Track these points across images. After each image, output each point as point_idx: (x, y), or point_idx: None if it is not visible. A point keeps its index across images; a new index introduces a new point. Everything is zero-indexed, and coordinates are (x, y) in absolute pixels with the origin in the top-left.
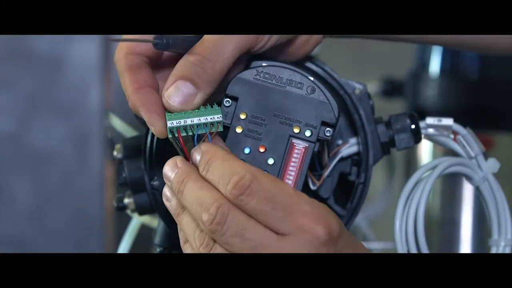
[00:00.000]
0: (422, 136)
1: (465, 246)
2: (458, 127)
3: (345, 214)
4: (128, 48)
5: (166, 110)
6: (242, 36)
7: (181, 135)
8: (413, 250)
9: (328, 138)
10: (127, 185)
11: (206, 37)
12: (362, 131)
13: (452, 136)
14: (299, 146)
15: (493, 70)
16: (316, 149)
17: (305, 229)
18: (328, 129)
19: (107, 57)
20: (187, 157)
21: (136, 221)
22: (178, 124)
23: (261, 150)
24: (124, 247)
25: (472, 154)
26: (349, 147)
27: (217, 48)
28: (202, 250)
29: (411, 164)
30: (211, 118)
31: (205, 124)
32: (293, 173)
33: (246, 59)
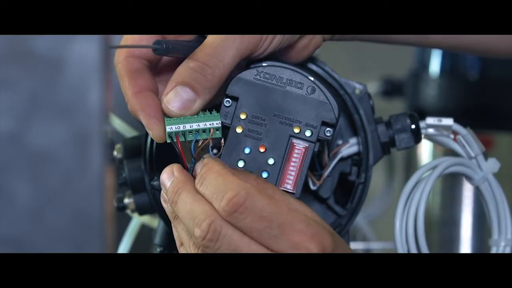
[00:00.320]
0: (422, 136)
1: (465, 246)
2: (458, 127)
3: (345, 214)
4: (128, 51)
5: (165, 115)
6: (242, 42)
7: (180, 140)
8: (413, 250)
9: (328, 138)
10: (127, 185)
11: (207, 42)
12: (362, 131)
13: (452, 136)
14: (299, 146)
15: (493, 70)
16: (316, 149)
17: (299, 247)
18: (328, 129)
19: (107, 57)
20: (185, 162)
21: (136, 221)
22: (177, 129)
23: (261, 150)
24: (124, 247)
25: (472, 154)
26: (349, 147)
27: (217, 54)
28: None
29: (411, 164)
30: (210, 124)
31: (204, 130)
32: (293, 173)
33: (245, 62)
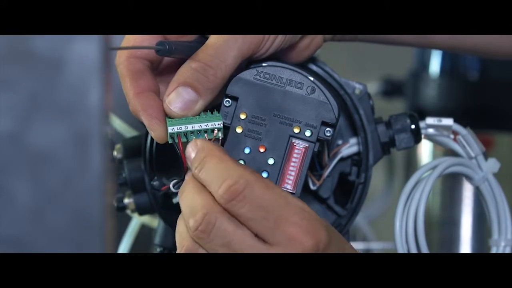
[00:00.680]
0: (422, 136)
1: (465, 246)
2: (458, 127)
3: (345, 214)
4: (130, 52)
5: (166, 116)
6: (244, 42)
7: (181, 141)
8: (413, 250)
9: (328, 138)
10: (127, 185)
11: (208, 43)
12: (362, 131)
13: (452, 136)
14: (299, 146)
15: (493, 70)
16: (316, 149)
17: (294, 240)
18: (328, 129)
19: (107, 57)
20: (185, 163)
21: (136, 221)
22: (178, 130)
23: (261, 150)
24: (124, 247)
25: (472, 154)
26: (349, 147)
27: (219, 55)
28: (183, 251)
29: (411, 164)
30: (212, 125)
31: (206, 131)
32: (293, 173)
33: (245, 62)
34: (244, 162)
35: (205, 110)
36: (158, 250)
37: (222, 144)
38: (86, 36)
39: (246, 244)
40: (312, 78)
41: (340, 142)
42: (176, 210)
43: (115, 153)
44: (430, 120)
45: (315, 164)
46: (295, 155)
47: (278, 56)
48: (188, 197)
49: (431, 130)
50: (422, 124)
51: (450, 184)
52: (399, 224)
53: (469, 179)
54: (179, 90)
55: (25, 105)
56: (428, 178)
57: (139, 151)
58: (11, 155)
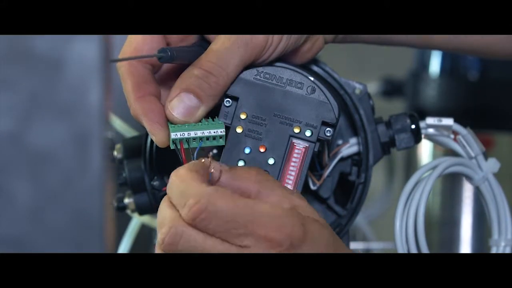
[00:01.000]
0: (422, 136)
1: (465, 246)
2: (458, 127)
3: (345, 214)
4: (132, 55)
5: (168, 121)
6: (246, 50)
7: (183, 147)
8: (413, 250)
9: (328, 138)
10: (127, 185)
11: (211, 49)
12: (362, 131)
13: (452, 136)
14: (300, 146)
15: (493, 70)
16: (316, 149)
17: (265, 238)
18: (328, 129)
19: (107, 57)
20: None
21: (136, 221)
22: (181, 136)
23: (262, 150)
24: (124, 247)
25: (472, 154)
26: (349, 147)
27: (222, 63)
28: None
29: (411, 164)
30: (214, 132)
31: (208, 138)
32: (293, 173)
33: None
34: (244, 162)
35: (206, 116)
36: None
37: (223, 146)
38: (86, 36)
39: (217, 250)
40: (312, 78)
41: (340, 142)
42: None
43: (115, 153)
44: (430, 120)
45: (315, 164)
46: (295, 155)
47: (280, 60)
48: (160, 210)
49: (431, 130)
50: (422, 124)
51: (450, 184)
52: (399, 224)
53: (469, 179)
54: (182, 96)
55: (25, 105)
56: (428, 178)
57: (139, 151)
58: (11, 155)
